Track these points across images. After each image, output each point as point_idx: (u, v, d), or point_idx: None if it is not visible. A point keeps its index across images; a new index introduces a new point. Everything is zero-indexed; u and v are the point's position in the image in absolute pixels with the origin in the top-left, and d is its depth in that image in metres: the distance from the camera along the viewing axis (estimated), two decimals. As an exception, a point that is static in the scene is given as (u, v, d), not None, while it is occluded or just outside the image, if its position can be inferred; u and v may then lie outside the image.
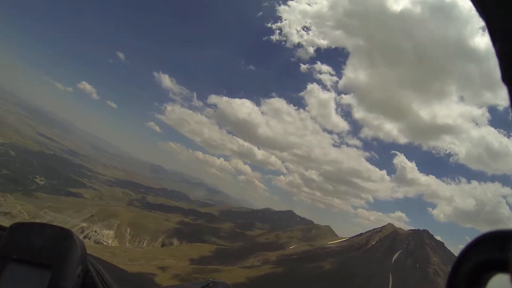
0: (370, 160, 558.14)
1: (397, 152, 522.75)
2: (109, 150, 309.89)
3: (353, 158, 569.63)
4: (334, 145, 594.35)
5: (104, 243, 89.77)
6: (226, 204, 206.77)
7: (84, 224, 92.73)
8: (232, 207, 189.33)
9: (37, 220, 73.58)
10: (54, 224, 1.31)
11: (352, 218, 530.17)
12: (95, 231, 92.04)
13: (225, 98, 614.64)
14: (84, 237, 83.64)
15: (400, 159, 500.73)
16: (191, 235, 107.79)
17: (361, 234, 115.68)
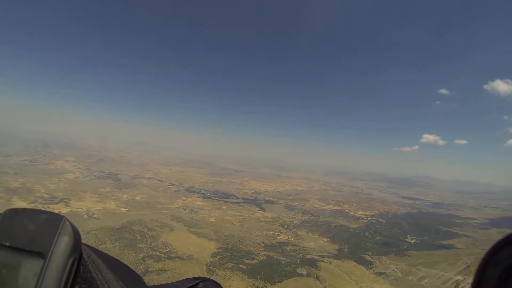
0: None
1: None
2: (474, 190, 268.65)
3: None
4: None
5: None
6: None
7: (459, 277, 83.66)
8: None
9: (410, 277, 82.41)
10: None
11: None
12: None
13: None
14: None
15: None
16: None
17: None
